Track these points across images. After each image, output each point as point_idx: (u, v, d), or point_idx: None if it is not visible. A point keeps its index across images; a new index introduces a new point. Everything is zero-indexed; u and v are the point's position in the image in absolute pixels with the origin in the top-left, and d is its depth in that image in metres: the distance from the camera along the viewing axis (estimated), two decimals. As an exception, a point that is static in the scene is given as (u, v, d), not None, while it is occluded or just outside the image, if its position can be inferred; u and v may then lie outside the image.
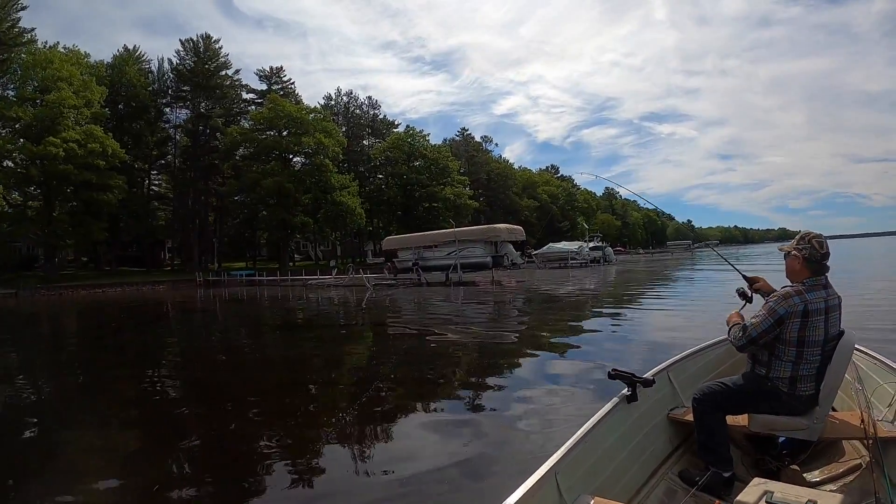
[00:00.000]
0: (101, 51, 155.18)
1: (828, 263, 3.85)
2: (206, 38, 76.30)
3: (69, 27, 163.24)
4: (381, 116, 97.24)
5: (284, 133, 70.18)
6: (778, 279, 4.28)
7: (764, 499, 2.63)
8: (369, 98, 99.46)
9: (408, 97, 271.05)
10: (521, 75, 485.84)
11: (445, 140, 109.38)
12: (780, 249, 4.05)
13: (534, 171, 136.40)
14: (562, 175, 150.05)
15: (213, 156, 73.62)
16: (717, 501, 3.35)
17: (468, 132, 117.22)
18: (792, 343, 3.72)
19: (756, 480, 2.87)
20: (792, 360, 3.74)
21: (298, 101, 78.87)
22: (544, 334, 15.65)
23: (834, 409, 4.20)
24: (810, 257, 3.77)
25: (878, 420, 3.87)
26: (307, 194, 68.81)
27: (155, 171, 78.41)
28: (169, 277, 63.89)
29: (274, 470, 6.04)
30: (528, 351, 12.99)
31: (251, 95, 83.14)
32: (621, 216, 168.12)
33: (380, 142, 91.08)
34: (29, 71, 54.17)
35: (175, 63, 76.05)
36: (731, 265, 5.45)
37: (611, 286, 34.95)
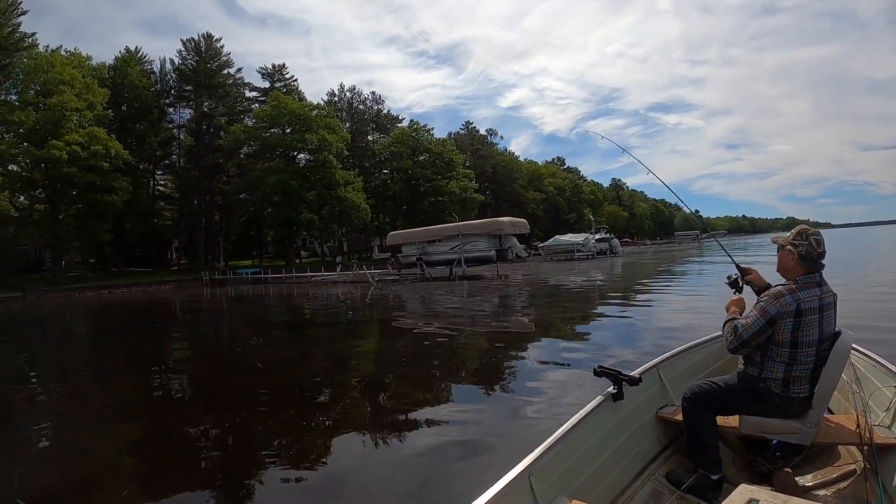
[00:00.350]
0: (104, 53, 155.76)
1: (823, 262, 3.73)
2: (208, 37, 76.29)
3: (71, 31, 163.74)
4: (385, 111, 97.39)
5: (288, 130, 70.21)
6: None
7: None
8: (373, 93, 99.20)
9: (413, 92, 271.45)
10: (525, 68, 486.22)
11: (450, 134, 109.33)
12: (774, 241, 3.90)
13: (539, 163, 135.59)
14: (568, 167, 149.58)
15: (218, 155, 73.55)
16: None
17: (473, 125, 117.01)
18: (785, 344, 3.63)
19: (742, 487, 2.73)
20: (785, 360, 3.65)
21: (302, 98, 79.03)
22: (549, 327, 15.63)
23: (831, 412, 4.21)
24: (806, 255, 3.67)
25: (874, 425, 3.76)
26: (312, 191, 68.60)
27: (160, 172, 78.35)
28: (175, 277, 64.19)
29: (278, 466, 6.16)
30: (534, 344, 12.90)
31: (254, 93, 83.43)
32: (628, 207, 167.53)
33: (384, 137, 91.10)
34: (31, 75, 54.01)
35: (177, 63, 76.02)
36: (728, 254, 5.44)
37: (616, 278, 34.75)
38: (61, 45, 60.99)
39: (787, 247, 3.72)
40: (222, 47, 77.08)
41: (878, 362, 4.40)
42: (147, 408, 9.71)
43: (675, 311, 16.37)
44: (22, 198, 59.63)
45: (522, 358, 11.38)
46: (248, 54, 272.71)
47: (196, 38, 76.16)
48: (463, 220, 51.55)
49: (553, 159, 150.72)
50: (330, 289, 42.14)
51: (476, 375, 10.29)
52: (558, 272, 43.25)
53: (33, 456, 7.14)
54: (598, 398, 3.84)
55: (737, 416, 3.84)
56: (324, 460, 6.33)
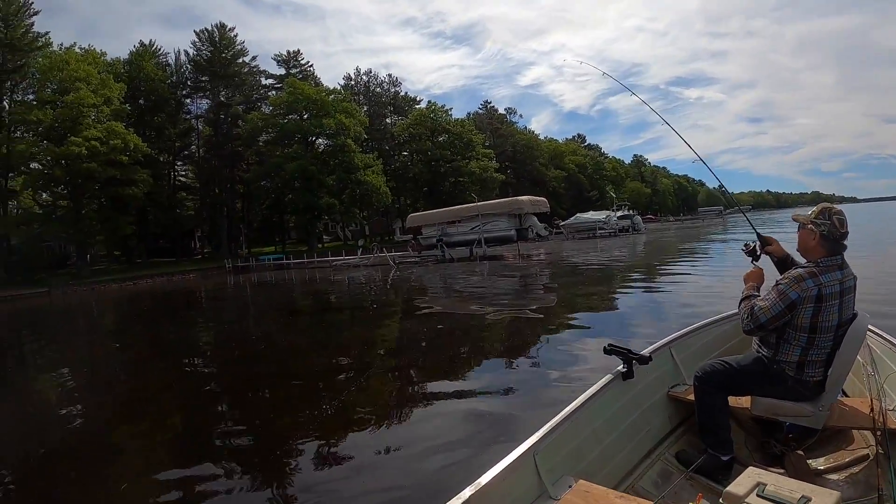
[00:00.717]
0: (120, 49, 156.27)
1: (846, 243, 3.61)
2: (221, 26, 76.02)
3: (86, 28, 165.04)
4: (402, 94, 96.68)
5: (305, 116, 70.10)
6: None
7: (755, 491, 2.47)
8: (390, 76, 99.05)
9: (431, 73, 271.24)
10: (543, 45, 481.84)
11: (469, 114, 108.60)
12: (795, 219, 3.78)
13: (560, 141, 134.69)
14: (589, 144, 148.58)
15: (236, 143, 73.59)
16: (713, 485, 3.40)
17: (491, 105, 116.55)
18: (803, 329, 3.55)
19: (751, 470, 2.68)
20: (802, 345, 3.58)
21: (318, 84, 78.76)
22: (570, 306, 15.71)
23: (845, 394, 4.18)
24: (828, 235, 3.54)
25: (889, 409, 3.71)
26: (331, 175, 68.53)
27: (180, 163, 78.63)
28: (199, 266, 64.47)
29: (307, 448, 6.36)
30: (555, 323, 12.95)
31: (270, 81, 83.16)
32: (651, 183, 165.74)
33: (402, 119, 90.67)
34: (46, 74, 54.27)
35: (192, 54, 75.98)
36: (751, 223, 5.29)
37: (638, 256, 34.53)
38: (75, 43, 61.07)
39: (809, 226, 3.60)
40: (236, 36, 76.88)
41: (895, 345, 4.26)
42: (173, 394, 10.00)
43: (696, 290, 16.13)
44: (45, 195, 60.47)
45: (543, 338, 11.39)
46: (265, 42, 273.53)
47: (210, 28, 76.06)
48: (484, 200, 51.02)
49: (574, 137, 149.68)
50: (351, 272, 42.43)
51: (497, 355, 10.35)
52: (580, 250, 43.17)
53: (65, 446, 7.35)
54: (608, 377, 3.84)
55: (749, 397, 3.83)
56: (349, 441, 6.46)
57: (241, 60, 77.79)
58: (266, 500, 5.25)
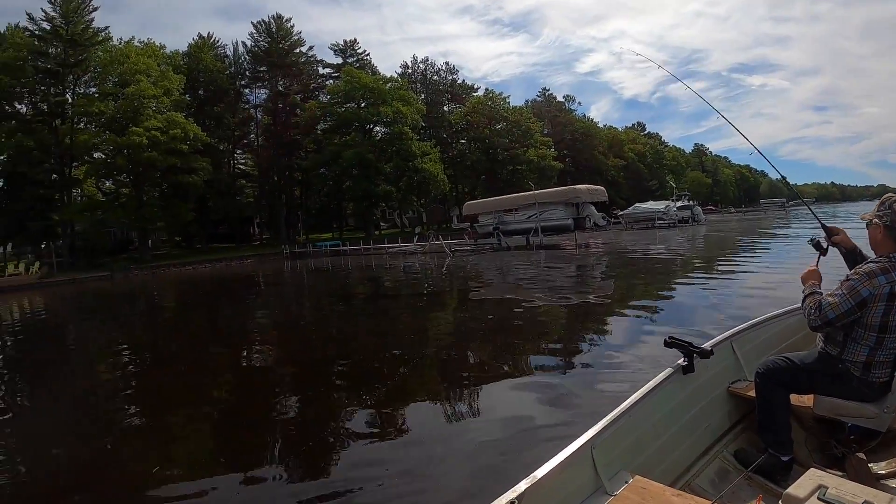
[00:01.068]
0: (179, 42, 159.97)
1: None
2: (278, 18, 77.04)
3: (147, 23, 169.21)
4: (459, 81, 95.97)
5: (362, 104, 70.17)
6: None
7: (816, 494, 2.39)
8: (447, 64, 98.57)
9: (489, 61, 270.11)
10: (602, 31, 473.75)
11: (527, 102, 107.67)
12: (862, 218, 3.63)
13: (619, 129, 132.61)
14: (649, 132, 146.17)
15: (294, 131, 74.13)
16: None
17: (550, 92, 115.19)
18: (873, 328, 3.36)
19: (812, 472, 2.60)
20: (870, 344, 3.40)
21: (374, 72, 78.94)
22: (627, 298, 15.58)
23: None
24: (892, 225, 3.36)
25: None
26: (389, 163, 68.83)
27: (239, 151, 79.90)
28: (256, 252, 65.54)
29: (360, 432, 6.49)
30: (612, 315, 12.99)
31: (327, 70, 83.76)
32: (712, 173, 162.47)
33: (460, 107, 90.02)
34: (107, 67, 55.62)
35: (249, 45, 77.23)
36: (813, 213, 5.28)
37: (699, 248, 33.73)
38: (133, 37, 62.69)
39: (874, 220, 3.45)
40: (292, 27, 77.75)
41: None
42: (228, 374, 10.38)
43: (757, 284, 15.57)
44: (108, 183, 63.15)
45: (600, 329, 11.43)
46: (322, 32, 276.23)
47: (266, 19, 77.08)
48: (542, 189, 50.37)
49: (633, 125, 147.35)
50: (406, 260, 42.49)
51: (554, 346, 10.27)
52: (638, 241, 42.36)
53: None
54: (667, 370, 3.71)
55: (811, 396, 3.72)
56: (404, 427, 6.55)
57: (298, 50, 78.63)
58: (320, 483, 5.30)
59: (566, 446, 2.88)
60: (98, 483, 5.85)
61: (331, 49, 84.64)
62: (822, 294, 3.59)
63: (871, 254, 3.61)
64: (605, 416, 3.16)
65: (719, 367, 4.16)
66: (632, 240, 44.95)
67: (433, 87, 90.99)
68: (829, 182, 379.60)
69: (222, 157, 72.78)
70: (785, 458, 3.50)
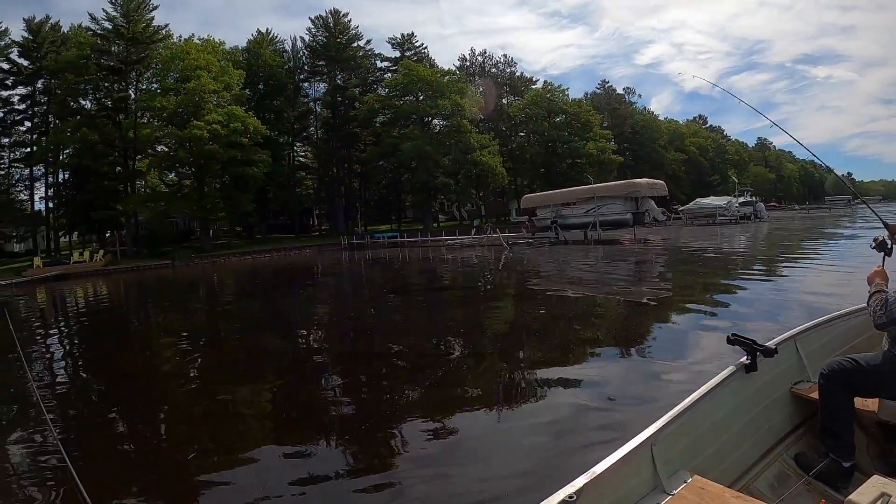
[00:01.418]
0: (239, 39, 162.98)
1: None
2: (335, 13, 77.86)
3: (208, 21, 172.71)
4: (518, 74, 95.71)
5: (420, 97, 70.53)
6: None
7: (880, 501, 2.37)
8: (505, 56, 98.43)
9: (548, 53, 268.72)
10: (662, 22, 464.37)
11: (586, 94, 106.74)
12: None
13: (680, 122, 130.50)
14: (710, 125, 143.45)
15: (353, 125, 75.14)
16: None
17: (609, 84, 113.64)
18: None
19: (875, 479, 2.56)
20: None
21: (432, 65, 79.29)
22: (687, 295, 15.29)
23: None
24: None
25: None
26: (447, 156, 69.10)
27: (299, 144, 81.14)
28: (315, 242, 66.18)
29: (411, 425, 6.40)
30: (674, 311, 12.71)
31: (385, 63, 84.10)
32: (775, 168, 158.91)
33: (518, 100, 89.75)
34: (168, 64, 57.03)
35: (308, 40, 78.29)
36: (875, 213, 4.73)
37: (760, 246, 32.61)
38: (193, 34, 64.15)
39: None
40: (350, 21, 78.53)
41: None
42: (281, 362, 10.35)
43: (821, 284, 14.93)
44: (171, 175, 65.09)
45: (659, 325, 11.27)
46: (380, 26, 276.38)
47: (324, 14, 78.11)
48: (601, 182, 49.90)
49: (695, 118, 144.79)
50: (463, 252, 42.13)
51: (611, 342, 10.04)
52: (699, 237, 41.66)
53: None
54: (730, 368, 3.61)
55: (877, 400, 3.62)
56: (457, 420, 6.42)
57: (355, 44, 79.23)
58: (371, 475, 5.24)
59: (625, 443, 2.86)
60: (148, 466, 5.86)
61: (388, 43, 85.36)
62: (888, 292, 3.48)
63: None
64: (665, 414, 3.11)
65: (782, 366, 4.07)
66: (692, 236, 44.17)
67: (492, 79, 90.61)
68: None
69: (282, 150, 73.57)
70: (847, 465, 3.39)
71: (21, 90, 61.40)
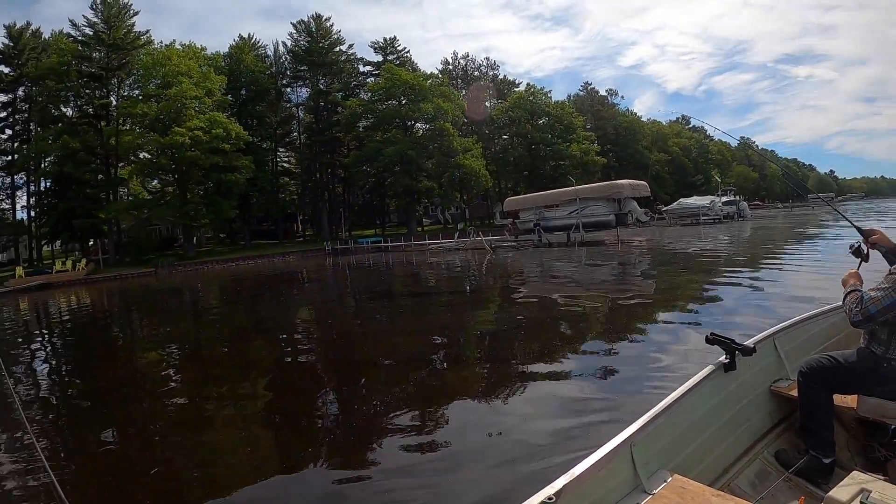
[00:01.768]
0: (223, 45, 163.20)
1: None
2: (317, 17, 78.20)
3: (191, 26, 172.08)
4: (500, 77, 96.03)
5: (403, 101, 70.61)
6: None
7: (859, 498, 2.40)
8: (487, 59, 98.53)
9: (531, 56, 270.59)
10: (645, 23, 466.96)
11: (569, 96, 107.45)
12: None
13: (663, 123, 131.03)
14: (693, 126, 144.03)
15: (336, 129, 75.09)
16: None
17: (592, 86, 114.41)
18: None
19: (855, 475, 2.62)
20: None
21: (415, 69, 79.27)
22: (670, 296, 15.35)
23: None
24: None
25: None
26: (430, 159, 69.25)
27: (282, 149, 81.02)
28: (299, 248, 66.12)
29: (399, 426, 6.43)
30: (656, 311, 12.70)
31: (368, 68, 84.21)
32: (758, 167, 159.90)
33: (501, 103, 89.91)
34: (149, 70, 56.91)
35: (289, 45, 78.50)
36: (843, 216, 4.97)
37: (743, 244, 32.84)
38: (174, 40, 65.16)
39: None
40: (332, 26, 78.85)
41: None
42: (265, 371, 10.28)
43: (802, 282, 15.09)
44: (155, 182, 64.88)
45: (641, 326, 11.22)
46: (364, 30, 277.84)
47: (306, 19, 78.32)
48: (585, 184, 50.01)
49: (678, 118, 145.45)
50: (446, 256, 42.21)
51: (593, 344, 10.05)
52: (682, 237, 41.80)
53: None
54: (709, 367, 3.65)
55: (855, 397, 3.65)
56: (443, 425, 6.51)
57: (338, 49, 79.40)
58: (359, 479, 5.25)
59: (605, 443, 2.86)
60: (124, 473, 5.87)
61: (371, 47, 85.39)
62: (863, 291, 3.51)
63: None
64: (644, 414, 3.12)
65: (761, 365, 4.10)
66: (675, 236, 44.39)
67: (474, 82, 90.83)
68: (878, 176, 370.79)
69: (265, 156, 73.63)
70: (827, 461, 3.43)
71: (2, 97, 61.43)
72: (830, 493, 2.47)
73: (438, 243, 54.75)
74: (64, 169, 54.42)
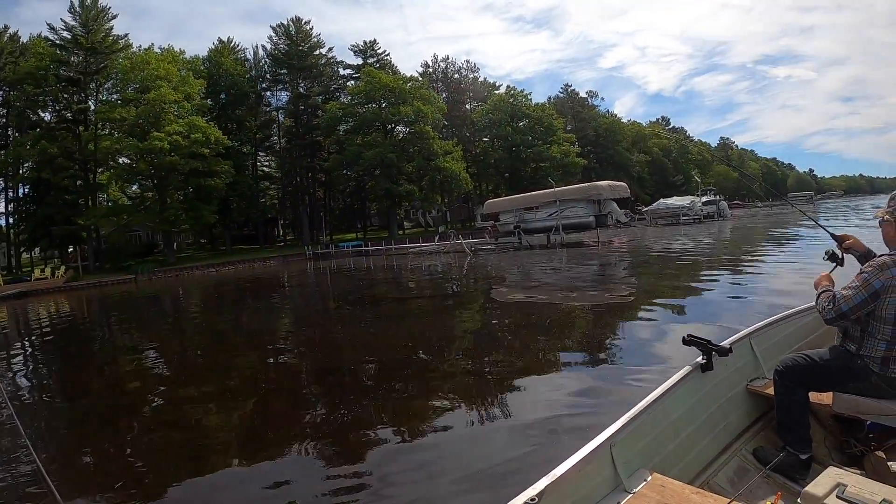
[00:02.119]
0: (205, 48, 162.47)
1: None
2: (297, 20, 77.97)
3: (173, 30, 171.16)
4: (480, 79, 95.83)
5: (383, 104, 70.49)
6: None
7: (835, 492, 2.46)
8: (468, 61, 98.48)
9: (513, 58, 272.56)
10: (626, 25, 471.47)
11: (549, 98, 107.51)
12: (875, 216, 3.70)
13: (643, 124, 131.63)
14: (673, 126, 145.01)
15: (316, 133, 74.99)
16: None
17: (572, 88, 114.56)
18: (888, 321, 3.40)
19: (830, 470, 2.69)
20: (887, 338, 3.42)
21: (395, 72, 79.26)
22: (649, 297, 15.30)
23: None
24: None
25: None
26: (411, 162, 69.29)
27: (262, 153, 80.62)
28: (280, 253, 65.85)
29: (382, 435, 6.48)
30: (635, 313, 12.80)
31: (348, 71, 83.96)
32: (738, 167, 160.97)
33: (482, 105, 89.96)
34: (128, 74, 56.54)
35: (269, 49, 78.28)
36: (815, 221, 5.24)
37: (722, 244, 33.24)
38: (153, 44, 64.41)
39: (885, 217, 3.54)
40: (311, 29, 78.72)
41: None
42: (246, 378, 10.32)
43: (780, 281, 15.41)
44: (134, 187, 64.31)
45: (621, 328, 11.40)
46: (345, 33, 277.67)
47: (285, 22, 78.02)
48: (566, 186, 50.03)
49: (658, 119, 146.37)
50: (427, 260, 42.31)
51: (573, 346, 10.23)
52: (661, 237, 42.37)
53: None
54: (686, 368, 3.74)
55: (830, 394, 3.72)
56: (427, 428, 6.56)
57: (317, 52, 79.34)
58: (344, 486, 5.27)
59: (585, 444, 2.91)
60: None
61: (351, 50, 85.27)
62: (835, 291, 3.62)
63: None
64: (624, 415, 3.18)
65: (738, 365, 4.19)
66: (655, 236, 44.78)
67: (454, 85, 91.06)
68: (857, 174, 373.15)
69: (245, 160, 73.37)
70: (804, 457, 3.49)
71: (-21, 102, 60.41)
72: (807, 488, 2.54)
73: (419, 246, 54.74)
74: (42, 175, 53.74)
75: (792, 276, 15.78)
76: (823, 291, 3.71)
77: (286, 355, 12.44)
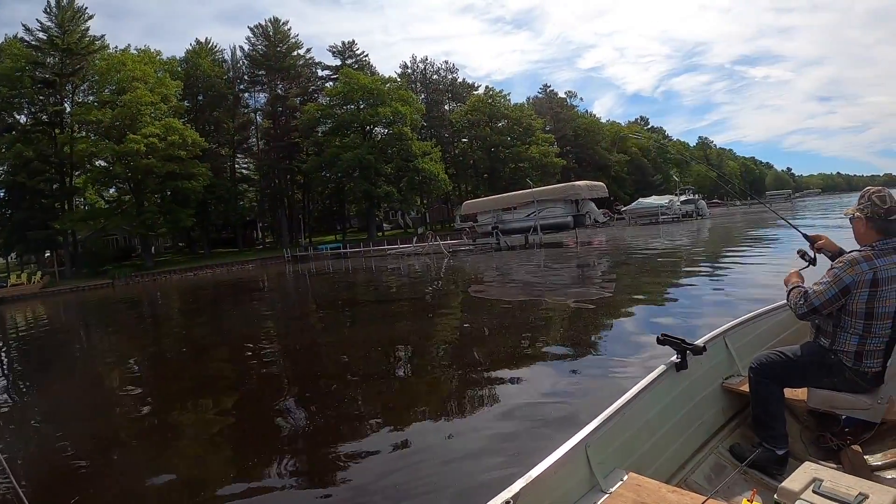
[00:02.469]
0: (183, 50, 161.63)
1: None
2: (275, 21, 77.56)
3: (151, 30, 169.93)
4: (459, 80, 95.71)
5: (361, 106, 70.14)
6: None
7: (812, 487, 2.48)
8: (446, 62, 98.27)
9: (493, 59, 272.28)
10: (605, 26, 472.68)
11: (528, 98, 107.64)
12: (845, 213, 3.70)
13: (622, 124, 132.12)
14: (652, 126, 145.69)
15: (294, 135, 74.30)
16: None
17: (551, 88, 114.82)
18: (859, 315, 3.44)
19: (806, 465, 2.70)
20: (859, 333, 3.47)
21: (374, 73, 78.98)
22: (627, 296, 15.56)
23: None
24: (872, 216, 3.44)
25: None
26: (389, 164, 68.94)
27: (240, 155, 80.00)
28: (259, 256, 65.45)
29: (362, 438, 6.54)
30: (611, 313, 12.90)
31: (326, 72, 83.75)
32: (716, 166, 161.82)
33: (460, 106, 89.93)
34: (104, 76, 56.20)
35: (247, 50, 77.71)
36: (788, 222, 5.31)
37: (700, 242, 33.67)
38: (130, 45, 63.57)
39: (856, 214, 3.52)
40: (290, 30, 78.39)
41: None
42: (227, 384, 10.33)
43: (757, 278, 15.57)
44: (112, 190, 63.78)
45: (598, 328, 11.43)
46: (326, 34, 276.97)
47: (263, 23, 77.57)
48: (545, 186, 50.06)
49: (636, 119, 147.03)
50: (405, 261, 42.19)
51: (550, 347, 10.11)
52: (640, 237, 42.42)
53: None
54: (661, 367, 3.74)
55: (805, 390, 3.78)
56: (408, 429, 6.64)
57: (295, 53, 78.98)
58: (321, 491, 5.38)
59: (560, 445, 2.91)
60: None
61: (329, 51, 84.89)
62: (805, 287, 3.68)
63: None
64: (598, 415, 3.18)
65: (713, 363, 4.20)
66: (634, 236, 44.82)
67: (433, 86, 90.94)
68: (834, 172, 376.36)
69: (223, 162, 73.07)
70: (780, 452, 3.52)
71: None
72: (783, 483, 2.56)
73: (397, 248, 54.54)
74: (17, 178, 53.06)
75: (766, 272, 16.00)
76: (794, 288, 3.77)
77: (265, 363, 12.15)
